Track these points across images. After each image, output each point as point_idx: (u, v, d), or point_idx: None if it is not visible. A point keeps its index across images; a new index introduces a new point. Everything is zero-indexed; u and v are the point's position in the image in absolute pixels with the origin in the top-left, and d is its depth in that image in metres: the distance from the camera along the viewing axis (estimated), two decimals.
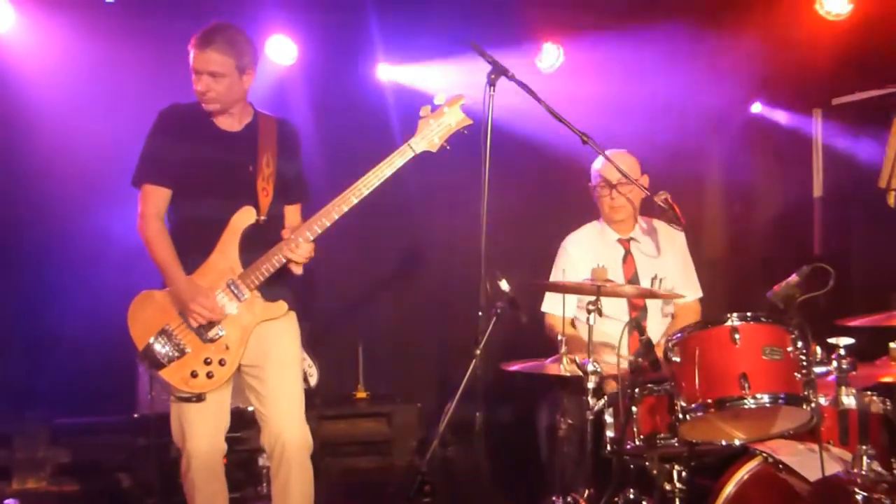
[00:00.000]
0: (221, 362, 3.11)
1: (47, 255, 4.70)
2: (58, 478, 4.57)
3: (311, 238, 3.10)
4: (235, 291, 3.12)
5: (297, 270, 3.20)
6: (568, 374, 3.27)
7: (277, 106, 4.75)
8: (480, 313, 3.18)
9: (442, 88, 3.82)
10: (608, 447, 3.16)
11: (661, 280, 3.74)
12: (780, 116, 5.69)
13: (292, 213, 3.32)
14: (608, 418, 3.17)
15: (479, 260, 3.12)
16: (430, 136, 3.12)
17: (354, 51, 5.13)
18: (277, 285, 3.18)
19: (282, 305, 3.20)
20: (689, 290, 3.92)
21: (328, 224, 3.09)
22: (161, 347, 3.10)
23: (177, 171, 3.16)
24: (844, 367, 2.84)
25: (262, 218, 3.16)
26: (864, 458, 2.77)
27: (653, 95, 5.44)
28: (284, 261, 3.11)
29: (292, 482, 3.17)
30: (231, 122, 3.24)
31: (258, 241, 3.14)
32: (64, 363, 4.68)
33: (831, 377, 2.92)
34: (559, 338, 3.38)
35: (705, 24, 5.24)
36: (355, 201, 3.09)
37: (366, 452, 4.96)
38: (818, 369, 2.90)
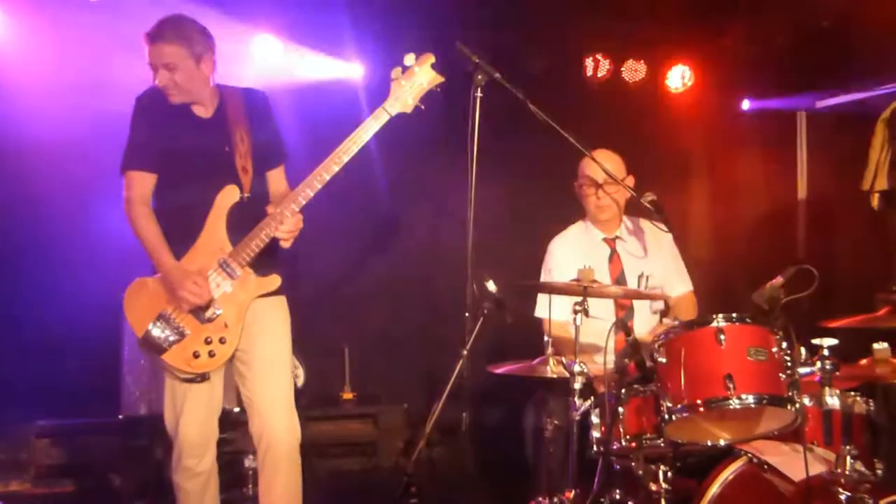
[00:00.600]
0: (222, 340, 3.12)
1: (31, 257, 4.67)
2: (42, 480, 4.53)
3: (297, 210, 3.11)
4: (228, 270, 3.13)
5: (286, 244, 3.19)
6: (555, 376, 3.27)
7: None
8: (467, 314, 3.18)
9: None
10: (594, 448, 3.16)
11: (647, 277, 3.74)
12: (765, 118, 5.73)
13: (276, 177, 3.33)
14: (594, 419, 3.18)
15: (466, 260, 3.12)
16: (403, 98, 3.12)
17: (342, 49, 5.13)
18: (269, 260, 3.19)
19: (275, 279, 3.20)
20: (680, 283, 3.95)
21: (311, 194, 3.09)
22: (160, 332, 3.10)
23: (158, 157, 3.17)
24: (828, 367, 2.85)
25: (246, 195, 3.17)
26: (848, 458, 2.78)
27: (635, 95, 5.48)
28: (273, 235, 3.12)
29: (280, 471, 3.17)
30: (203, 110, 3.25)
31: (244, 218, 3.15)
32: (47, 364, 4.64)
33: (815, 378, 2.93)
34: (545, 339, 3.39)
35: (693, 26, 5.28)
36: (336, 169, 3.08)
37: (352, 453, 4.95)
38: (802, 370, 2.91)
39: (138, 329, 3.12)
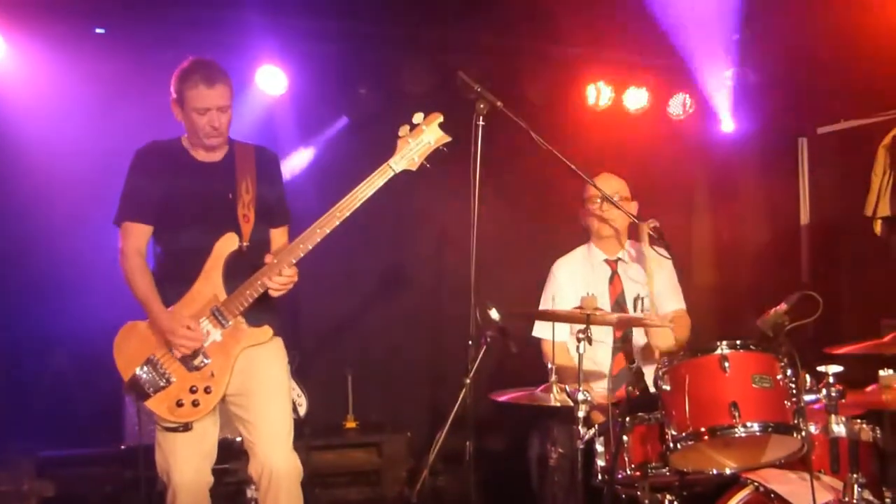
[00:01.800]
0: (207, 390, 3.10)
1: (32, 286, 4.67)
2: None
3: (294, 262, 3.10)
4: (219, 318, 3.12)
5: (277, 294, 3.16)
6: (558, 404, 3.25)
7: (267, 135, 4.78)
8: (470, 342, 3.17)
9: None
10: (599, 476, 3.14)
11: (643, 299, 3.74)
12: (767, 144, 5.75)
13: (279, 236, 3.34)
14: (599, 447, 3.16)
15: (469, 289, 3.12)
16: (409, 155, 3.11)
17: (343, 80, 5.16)
18: (262, 310, 3.18)
19: (266, 331, 3.19)
20: (672, 301, 3.94)
21: (310, 247, 3.09)
22: (146, 377, 3.09)
23: (156, 207, 3.18)
24: (834, 394, 2.85)
25: (245, 244, 3.17)
26: (855, 486, 2.77)
27: (639, 125, 5.51)
28: (267, 286, 3.11)
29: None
30: (210, 154, 3.26)
31: (242, 267, 3.15)
32: (49, 394, 4.63)
33: (821, 405, 2.92)
34: (549, 366, 3.38)
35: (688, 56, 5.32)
36: (337, 223, 3.08)
37: (355, 483, 4.91)
38: (808, 397, 2.90)
39: (125, 373, 3.11)
